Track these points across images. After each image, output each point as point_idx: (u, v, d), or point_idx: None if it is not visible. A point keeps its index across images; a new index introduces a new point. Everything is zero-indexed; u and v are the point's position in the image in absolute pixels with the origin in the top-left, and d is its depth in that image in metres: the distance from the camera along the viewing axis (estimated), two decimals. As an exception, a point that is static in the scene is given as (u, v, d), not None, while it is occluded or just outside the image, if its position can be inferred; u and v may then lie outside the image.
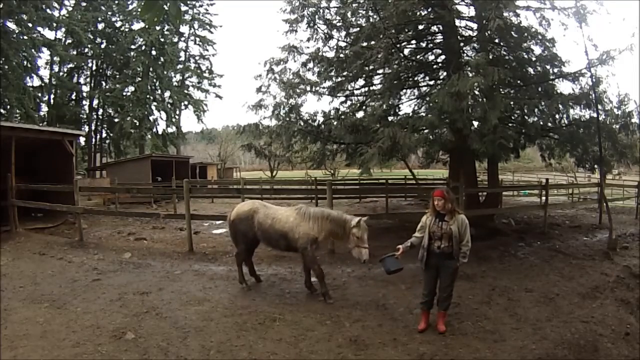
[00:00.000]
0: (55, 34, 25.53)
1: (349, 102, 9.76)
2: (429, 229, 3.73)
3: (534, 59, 8.52)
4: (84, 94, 28.93)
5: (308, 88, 9.01)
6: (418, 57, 9.69)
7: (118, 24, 29.23)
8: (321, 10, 9.25)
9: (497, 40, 8.44)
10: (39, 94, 25.01)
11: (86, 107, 29.30)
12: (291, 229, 4.62)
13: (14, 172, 8.37)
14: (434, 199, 3.74)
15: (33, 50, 23.12)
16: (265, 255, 6.20)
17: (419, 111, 9.78)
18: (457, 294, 4.28)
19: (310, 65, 9.41)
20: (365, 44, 8.42)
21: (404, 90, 9.88)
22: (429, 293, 3.82)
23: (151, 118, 30.00)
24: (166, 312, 4.17)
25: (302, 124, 9.07)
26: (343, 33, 9.54)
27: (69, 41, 26.60)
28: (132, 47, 28.79)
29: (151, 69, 29.03)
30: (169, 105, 30.76)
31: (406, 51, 9.25)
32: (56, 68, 26.66)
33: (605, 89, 8.06)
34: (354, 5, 9.05)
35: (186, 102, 31.92)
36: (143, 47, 28.65)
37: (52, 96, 26.31)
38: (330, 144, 9.27)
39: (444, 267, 3.72)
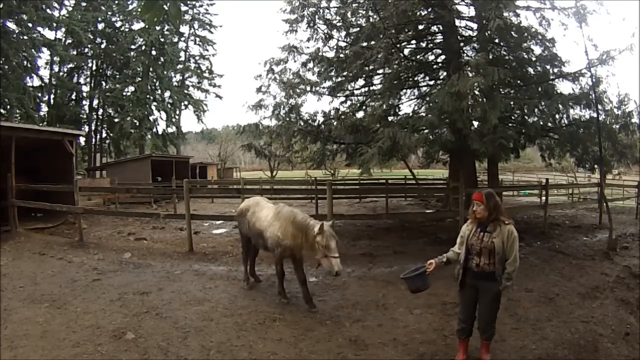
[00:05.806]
0: (55, 34, 25.57)
1: (349, 102, 9.79)
2: (467, 240, 3.10)
3: (534, 59, 8.53)
4: (84, 94, 28.96)
5: (308, 88, 9.02)
6: (418, 57, 9.70)
7: (118, 24, 29.23)
8: (321, 10, 9.26)
9: (497, 40, 8.46)
10: (39, 94, 25.00)
11: (86, 107, 29.33)
12: (265, 229, 4.47)
13: (14, 172, 8.36)
14: (473, 204, 3.09)
15: (33, 50, 23.10)
16: (265, 255, 6.15)
17: (419, 111, 9.78)
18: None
19: (310, 65, 9.42)
20: (365, 44, 8.42)
21: (404, 90, 9.89)
22: (466, 319, 3.19)
23: (151, 118, 30.03)
24: (166, 312, 4.17)
25: (302, 124, 9.07)
26: (343, 33, 9.54)
27: (69, 41, 26.61)
28: (132, 47, 28.80)
29: (151, 69, 29.04)
30: (169, 105, 30.79)
31: (406, 51, 9.26)
32: (56, 68, 26.68)
33: (605, 89, 8.10)
34: (354, 5, 9.06)
35: (186, 102, 31.98)
36: (143, 47, 28.67)
37: (52, 96, 26.30)
38: (330, 144, 9.28)
39: (483, 289, 3.07)
